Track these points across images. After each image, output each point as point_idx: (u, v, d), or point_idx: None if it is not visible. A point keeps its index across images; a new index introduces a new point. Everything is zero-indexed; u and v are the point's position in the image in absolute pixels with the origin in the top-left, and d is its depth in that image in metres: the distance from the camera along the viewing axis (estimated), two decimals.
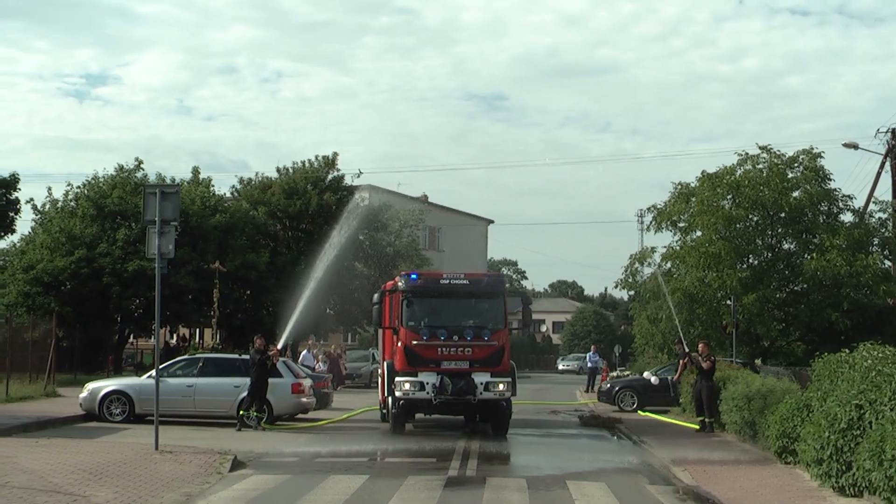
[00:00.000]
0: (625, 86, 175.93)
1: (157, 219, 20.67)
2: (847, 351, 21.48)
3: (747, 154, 38.40)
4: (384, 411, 28.39)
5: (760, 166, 37.87)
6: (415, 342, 25.60)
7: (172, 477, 17.68)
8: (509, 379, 25.81)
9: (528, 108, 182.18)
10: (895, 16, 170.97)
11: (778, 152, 38.06)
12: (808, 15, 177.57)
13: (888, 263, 39.73)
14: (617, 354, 75.10)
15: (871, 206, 41.25)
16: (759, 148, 38.37)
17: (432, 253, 73.97)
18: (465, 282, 26.76)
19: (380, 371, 31.30)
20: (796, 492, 17.46)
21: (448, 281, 26.77)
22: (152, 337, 58.16)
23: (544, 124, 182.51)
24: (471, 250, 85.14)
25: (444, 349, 25.50)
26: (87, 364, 44.18)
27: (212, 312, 47.68)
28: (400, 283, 26.57)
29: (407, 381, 25.32)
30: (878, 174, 44.89)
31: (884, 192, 44.15)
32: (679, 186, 39.64)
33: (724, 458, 21.68)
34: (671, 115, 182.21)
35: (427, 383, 25.19)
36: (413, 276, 26.90)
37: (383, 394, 27.96)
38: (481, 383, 25.27)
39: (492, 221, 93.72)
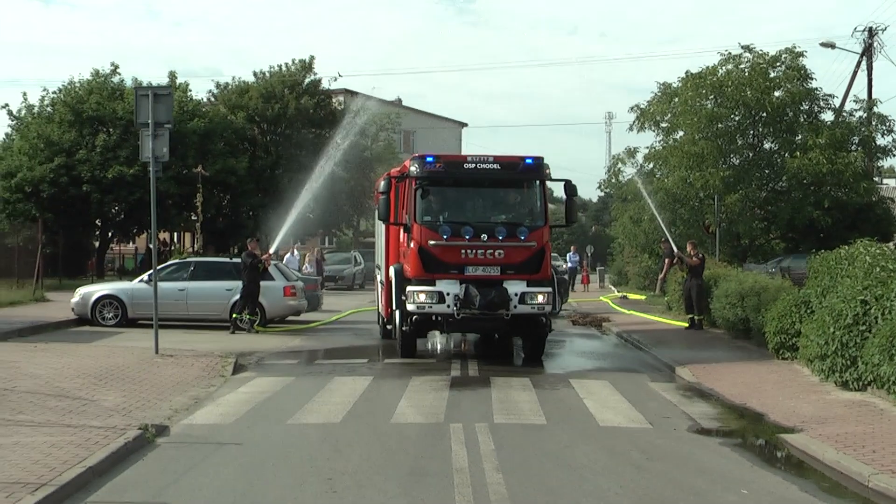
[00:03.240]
0: None
1: (150, 121, 20.07)
2: (821, 250, 21.53)
3: (730, 54, 38.02)
4: (388, 327, 23.58)
5: (743, 66, 37.46)
6: (432, 242, 20.07)
7: (177, 380, 17.38)
8: (550, 289, 20.55)
9: (496, 10, 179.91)
10: None
11: (760, 52, 37.66)
12: None
13: (869, 161, 39.60)
14: (589, 255, 75.04)
15: (852, 105, 41.09)
16: (742, 47, 37.99)
17: (406, 156, 73.17)
18: (495, 166, 20.65)
19: (380, 278, 25.48)
20: (798, 386, 17.35)
21: (474, 165, 20.69)
22: (132, 241, 57.91)
23: (512, 27, 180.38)
24: (448, 153, 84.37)
25: (469, 251, 20.07)
26: (70, 269, 43.60)
27: (194, 217, 47.22)
28: (412, 168, 20.67)
29: (422, 292, 20.01)
30: (855, 73, 44.89)
31: (860, 90, 44.02)
32: (663, 86, 39.22)
33: (720, 355, 21.59)
34: (639, 18, 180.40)
35: (448, 294, 19.90)
36: (429, 159, 20.78)
37: (387, 306, 22.77)
38: (516, 294, 19.99)
39: (465, 124, 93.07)
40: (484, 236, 19.98)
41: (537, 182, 21.07)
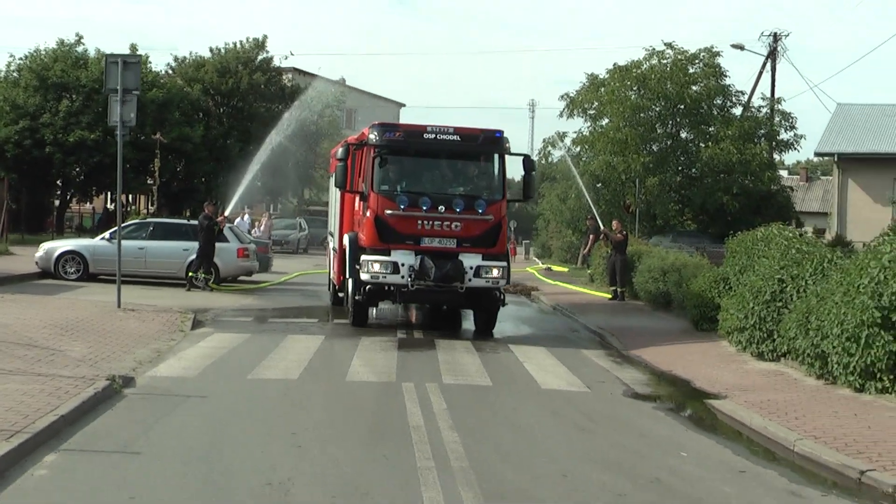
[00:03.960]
0: None
1: (118, 87, 19.34)
2: (731, 232, 21.48)
3: (654, 49, 37.88)
4: (340, 294, 22.01)
5: (665, 61, 37.33)
6: (389, 212, 18.35)
7: (139, 334, 16.78)
8: (505, 263, 18.92)
9: (431, 4, 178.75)
10: None
11: (681, 49, 37.56)
12: None
13: (774, 154, 39.81)
14: (512, 230, 74.64)
15: (759, 102, 41.28)
16: (665, 44, 37.88)
17: (349, 133, 72.34)
18: (455, 137, 18.85)
19: (333, 245, 23.99)
20: (718, 356, 17.21)
21: (434, 135, 18.77)
22: (90, 202, 56.67)
23: (447, 21, 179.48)
24: None
25: (425, 222, 18.33)
26: (31, 226, 42.52)
27: (150, 181, 46.34)
28: (371, 136, 18.77)
29: (376, 261, 18.27)
30: (760, 73, 45.08)
31: (764, 89, 44.29)
32: (590, 77, 38.99)
33: (644, 325, 21.44)
34: (562, 15, 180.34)
35: (402, 265, 18.20)
36: (387, 127, 19.31)
37: (339, 274, 21.33)
38: (471, 267, 18.29)
39: (403, 105, 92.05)
40: (441, 208, 18.29)
41: (497, 155, 19.22)
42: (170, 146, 44.86)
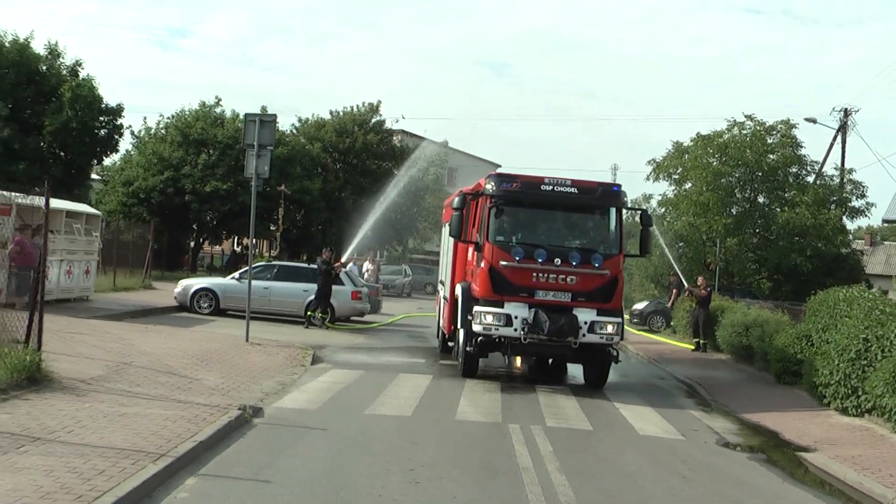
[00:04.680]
0: (608, 60, 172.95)
1: (255, 143, 19.36)
2: (811, 293, 20.62)
3: (735, 120, 37.03)
4: (450, 343, 20.18)
5: (745, 131, 36.47)
6: (504, 263, 16.49)
7: (265, 366, 16.54)
8: (620, 319, 16.87)
9: (528, 75, 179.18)
10: (828, 18, 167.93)
11: (760, 120, 36.65)
12: (759, 13, 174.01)
13: (844, 219, 38.50)
14: None
15: (832, 171, 40.12)
16: (745, 116, 36.98)
17: (451, 189, 72.42)
18: (572, 190, 16.99)
19: (443, 294, 21.59)
20: (803, 410, 16.38)
21: (551, 187, 16.94)
22: (219, 244, 57.45)
23: (540, 90, 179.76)
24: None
25: (540, 275, 16.44)
26: (170, 264, 43.09)
27: (274, 227, 47.05)
28: (488, 186, 17.04)
29: (489, 313, 16.46)
30: (831, 144, 43.72)
31: (835, 159, 43.07)
32: (675, 144, 38.28)
33: (729, 377, 20.59)
34: (645, 87, 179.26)
35: (516, 317, 16.34)
36: (506, 178, 17.27)
37: (450, 323, 19.43)
38: (585, 322, 16.39)
39: (499, 165, 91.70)
40: (557, 260, 16.45)
41: (614, 209, 17.37)
42: (291, 197, 45.43)
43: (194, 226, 47.57)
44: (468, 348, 17.04)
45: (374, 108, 56.52)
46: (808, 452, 12.66)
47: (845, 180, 38.50)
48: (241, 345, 18.82)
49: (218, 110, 47.26)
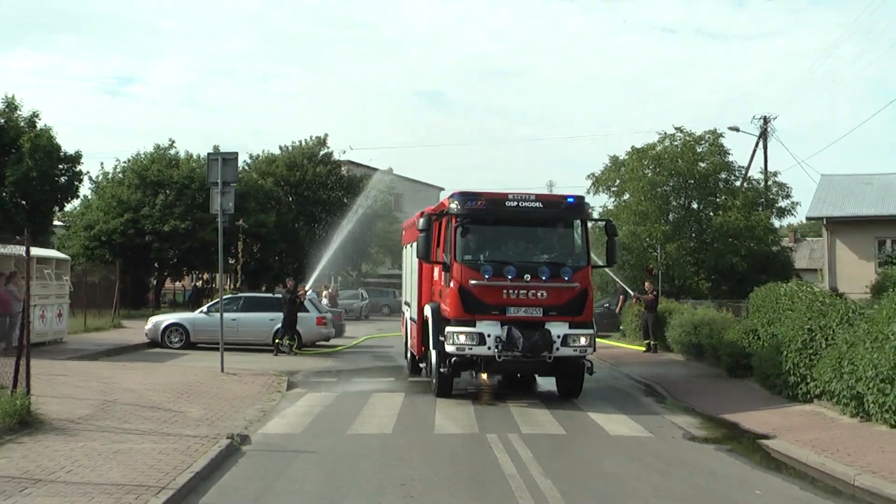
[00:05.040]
0: (537, 84, 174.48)
1: (219, 181, 19.15)
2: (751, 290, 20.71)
3: (666, 133, 37.54)
4: (422, 365, 19.17)
5: (676, 143, 36.96)
6: (473, 282, 15.63)
7: (244, 395, 16.31)
8: (592, 331, 16.14)
9: (462, 102, 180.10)
10: (737, 35, 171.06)
11: (690, 131, 37.21)
12: (674, 32, 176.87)
13: (774, 219, 39.15)
14: None
15: (758, 175, 40.84)
16: (675, 128, 37.50)
17: (400, 215, 72.48)
18: (537, 204, 16.40)
19: (409, 315, 20.76)
20: (756, 400, 16.54)
21: (516, 203, 16.28)
22: (180, 281, 56.71)
23: (475, 115, 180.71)
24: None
25: (511, 291, 15.66)
26: (134, 302, 42.44)
27: (233, 261, 46.61)
28: (453, 205, 16.19)
29: (462, 333, 15.60)
30: (754, 150, 44.49)
31: (758, 162, 43.84)
32: (612, 158, 38.68)
33: (683, 374, 20.70)
34: (573, 107, 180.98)
35: (489, 336, 15.51)
36: (470, 196, 16.31)
37: (419, 345, 18.62)
38: (558, 336, 15.61)
39: (442, 188, 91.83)
40: (527, 276, 15.64)
41: (579, 221, 16.64)
42: (248, 231, 45.00)
43: (156, 264, 46.88)
44: (442, 369, 16.19)
45: (321, 141, 56.47)
46: (768, 440, 12.79)
47: (771, 182, 39.19)
48: (218, 375, 18.54)
49: (172, 152, 46.80)
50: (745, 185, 39.43)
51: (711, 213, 36.77)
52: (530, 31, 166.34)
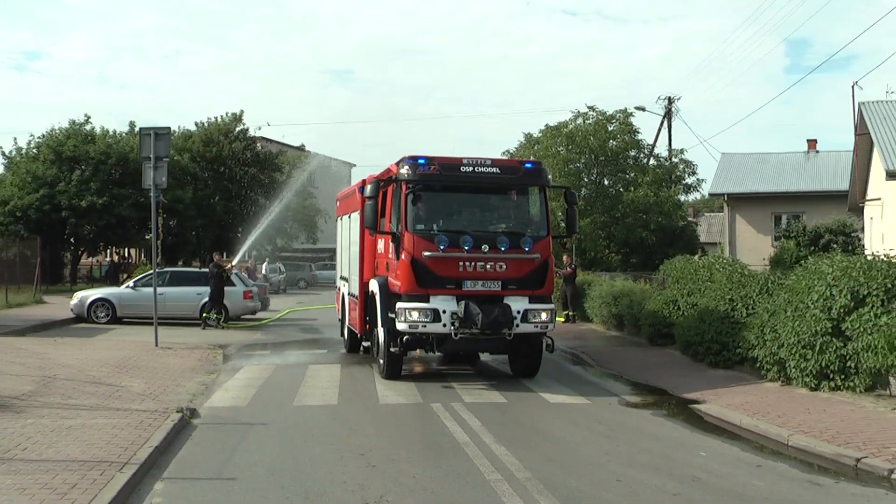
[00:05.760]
0: (444, 63, 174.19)
1: (151, 155, 18.57)
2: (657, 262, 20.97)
3: (578, 111, 37.86)
4: (366, 343, 17.85)
5: (588, 121, 37.30)
6: (427, 254, 14.10)
7: (182, 368, 15.95)
8: (552, 306, 14.90)
9: (370, 80, 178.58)
10: (636, 18, 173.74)
11: (601, 110, 37.58)
12: (575, 14, 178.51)
13: (682, 196, 39.98)
14: None
15: (664, 153, 41.60)
16: (587, 107, 37.85)
17: (313, 189, 71.69)
18: (494, 170, 14.74)
19: (346, 290, 19.06)
20: (679, 367, 16.87)
21: (471, 168, 14.59)
22: (95, 257, 55.10)
23: (383, 93, 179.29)
24: (339, 188, 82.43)
25: (468, 264, 14.15)
26: (51, 278, 41.06)
27: (150, 235, 45.56)
28: (403, 171, 14.59)
29: (415, 309, 14.06)
30: (659, 128, 45.38)
31: (662, 142, 44.54)
32: (527, 136, 38.86)
33: (606, 344, 20.98)
34: (479, 86, 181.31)
35: (444, 311, 13.99)
36: (421, 161, 14.55)
37: (361, 323, 17.03)
38: (518, 311, 14.18)
39: (354, 165, 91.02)
40: (485, 247, 14.17)
41: (538, 188, 15.23)
42: (165, 207, 43.82)
43: (72, 240, 45.40)
44: (392, 349, 14.67)
45: (237, 118, 55.28)
46: (698, 404, 13.03)
47: (678, 160, 39.94)
48: (153, 350, 18.07)
49: (88, 127, 45.21)
50: (653, 162, 40.10)
51: (622, 190, 37.29)
52: (437, 11, 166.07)
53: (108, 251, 55.53)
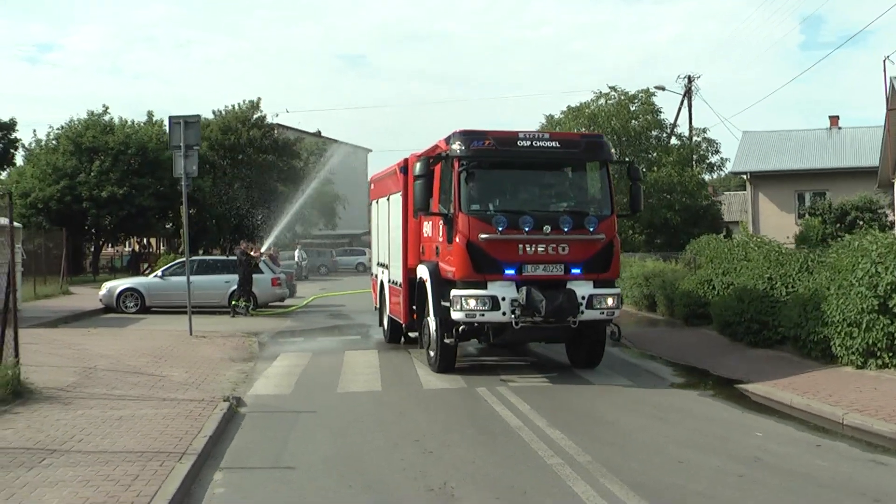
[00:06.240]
0: (457, 48, 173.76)
1: (181, 144, 18.54)
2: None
3: (600, 92, 37.63)
4: (412, 334, 16.74)
5: (611, 101, 37.06)
6: (483, 236, 12.95)
7: (219, 357, 15.91)
8: (618, 291, 13.79)
9: (383, 66, 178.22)
10: None
11: (623, 90, 37.31)
12: None
13: (706, 175, 39.72)
14: None
15: (686, 132, 41.27)
16: (609, 87, 37.65)
17: (330, 175, 71.66)
18: (554, 144, 13.71)
19: (384, 278, 18.18)
20: (719, 347, 16.73)
21: (529, 142, 13.49)
22: (115, 246, 55.40)
23: (396, 79, 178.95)
24: (356, 174, 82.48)
25: (528, 246, 13.07)
26: (74, 269, 41.17)
27: (169, 225, 46.10)
28: (455, 146, 13.41)
29: (471, 297, 12.92)
30: (679, 108, 44.99)
31: (683, 121, 44.28)
32: (548, 117, 38.62)
33: (641, 325, 20.87)
34: (492, 70, 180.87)
35: (503, 299, 12.88)
36: (474, 135, 13.44)
37: (405, 312, 15.90)
38: (583, 297, 13.06)
39: (370, 150, 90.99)
40: (546, 228, 13.04)
41: (604, 163, 14.08)
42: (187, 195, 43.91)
43: (93, 230, 45.53)
44: (446, 340, 13.61)
45: (254, 105, 55.26)
46: (744, 384, 12.90)
47: (701, 139, 39.65)
48: (187, 339, 18.07)
49: (106, 118, 45.21)
50: (675, 141, 39.84)
51: (645, 170, 37.06)
52: None
53: (129, 241, 55.68)
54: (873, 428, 9.89)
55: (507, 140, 13.52)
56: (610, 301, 13.33)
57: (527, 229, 13.04)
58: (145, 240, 57.13)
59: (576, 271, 13.30)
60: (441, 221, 13.75)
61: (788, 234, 33.02)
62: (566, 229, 13.18)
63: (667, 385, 13.31)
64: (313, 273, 52.61)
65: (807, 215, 35.57)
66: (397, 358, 16.03)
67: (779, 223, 38.65)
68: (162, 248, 56.59)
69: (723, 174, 45.96)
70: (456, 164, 13.38)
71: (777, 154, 43.18)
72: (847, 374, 12.95)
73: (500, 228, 13.02)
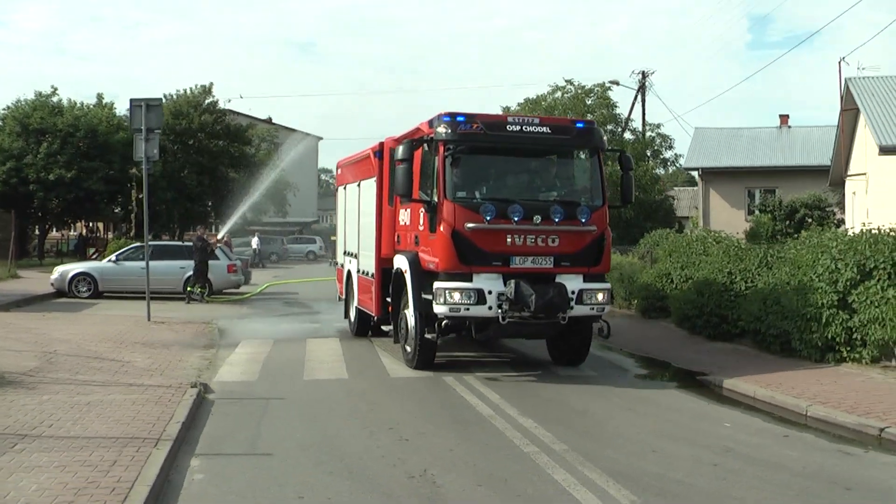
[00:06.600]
0: (406, 37, 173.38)
1: (143, 127, 18.22)
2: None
3: (557, 85, 37.87)
4: (385, 328, 15.82)
5: (567, 94, 37.30)
6: (470, 226, 12.24)
7: (181, 343, 15.74)
8: (608, 285, 13.19)
9: (332, 53, 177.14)
10: None
11: (580, 84, 37.56)
12: None
13: (660, 170, 40.18)
14: None
15: (639, 127, 41.64)
16: (565, 80, 37.93)
17: (281, 161, 71.10)
18: (544, 129, 12.86)
19: (352, 268, 17.41)
20: (677, 340, 16.99)
21: (518, 127, 12.77)
22: (60, 230, 54.38)
23: (343, 66, 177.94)
24: (307, 161, 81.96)
25: (517, 237, 12.38)
26: (19, 253, 40.30)
27: (117, 210, 45.43)
28: (440, 129, 12.67)
29: (456, 290, 12.21)
30: (633, 103, 45.36)
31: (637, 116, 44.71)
32: (504, 109, 38.73)
33: None
34: (441, 60, 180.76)
35: (490, 292, 12.20)
36: (461, 118, 12.66)
37: (378, 304, 15.15)
38: (573, 292, 12.49)
39: (321, 138, 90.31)
40: (536, 218, 12.36)
41: (595, 150, 13.42)
42: (136, 179, 43.27)
43: (39, 213, 44.62)
44: (427, 335, 12.83)
45: (206, 90, 54.45)
46: (707, 376, 13.07)
47: (654, 134, 40.12)
48: (146, 324, 17.87)
49: (55, 99, 44.26)
50: (629, 136, 40.22)
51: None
52: None
53: (76, 225, 54.71)
54: (837, 419, 10.13)
55: (495, 124, 12.97)
56: (600, 296, 12.83)
57: (516, 219, 12.37)
58: (92, 224, 56.20)
59: (565, 264, 12.70)
60: (421, 209, 13.04)
61: (738, 230, 33.50)
62: (557, 220, 12.54)
63: (631, 376, 13.49)
64: (265, 260, 52.25)
65: (757, 212, 36.21)
66: (360, 347, 16.00)
67: (729, 219, 39.21)
68: (110, 233, 55.73)
69: (677, 168, 46.52)
70: (441, 148, 12.65)
71: (728, 151, 43.80)
72: (807, 368, 13.23)
73: (488, 217, 12.33)
